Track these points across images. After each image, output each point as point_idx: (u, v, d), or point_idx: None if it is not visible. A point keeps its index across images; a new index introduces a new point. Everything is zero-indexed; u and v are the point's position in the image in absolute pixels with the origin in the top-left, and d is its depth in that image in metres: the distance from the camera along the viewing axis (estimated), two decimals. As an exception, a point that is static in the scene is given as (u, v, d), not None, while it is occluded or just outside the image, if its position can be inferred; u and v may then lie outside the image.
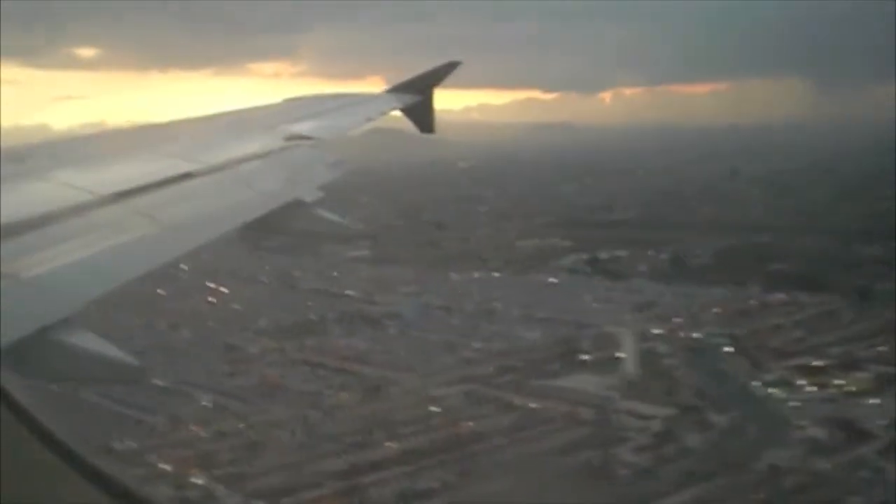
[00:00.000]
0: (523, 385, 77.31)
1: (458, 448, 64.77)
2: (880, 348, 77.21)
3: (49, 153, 8.31)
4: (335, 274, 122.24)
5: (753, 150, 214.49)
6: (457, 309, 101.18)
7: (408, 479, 60.78)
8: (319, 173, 9.17)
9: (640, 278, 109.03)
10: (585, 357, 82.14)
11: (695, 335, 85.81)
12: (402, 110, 14.09)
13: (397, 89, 14.66)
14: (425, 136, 15.18)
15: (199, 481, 62.34)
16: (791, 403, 69.57)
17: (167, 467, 64.50)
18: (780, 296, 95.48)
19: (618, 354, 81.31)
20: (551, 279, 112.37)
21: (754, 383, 74.05)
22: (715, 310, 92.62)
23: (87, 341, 4.70)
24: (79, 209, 6.23)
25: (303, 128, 10.63)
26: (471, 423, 69.28)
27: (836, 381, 72.40)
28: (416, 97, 14.36)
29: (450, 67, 14.83)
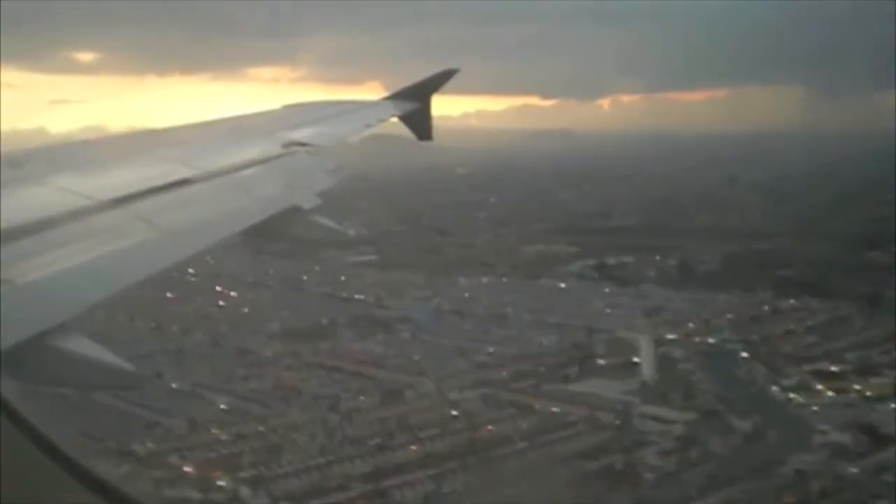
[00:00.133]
0: (540, 389, 77.41)
1: (480, 451, 64.84)
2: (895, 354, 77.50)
3: (47, 158, 8.29)
4: (342, 278, 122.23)
5: (751, 157, 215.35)
6: (468, 313, 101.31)
7: (433, 482, 60.83)
8: (317, 180, 9.21)
9: (649, 284, 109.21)
10: (601, 361, 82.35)
11: (709, 340, 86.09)
12: (400, 118, 14.10)
13: (395, 96, 14.72)
14: (423, 142, 15.18)
15: (224, 483, 62.14)
16: (811, 408, 69.78)
17: (189, 469, 64.38)
18: (791, 301, 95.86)
19: (634, 359, 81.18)
20: (560, 284, 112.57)
21: (773, 388, 74.26)
22: (727, 315, 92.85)
23: (84, 347, 4.68)
24: (77, 214, 6.23)
25: (301, 134, 10.67)
26: (491, 427, 69.34)
27: (855, 386, 72.64)
28: (414, 104, 14.37)
29: (447, 75, 14.84)
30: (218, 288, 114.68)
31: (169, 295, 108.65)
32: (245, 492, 60.94)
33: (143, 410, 76.21)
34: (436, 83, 14.72)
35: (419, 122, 14.52)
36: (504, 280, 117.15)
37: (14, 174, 6.98)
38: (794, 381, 75.02)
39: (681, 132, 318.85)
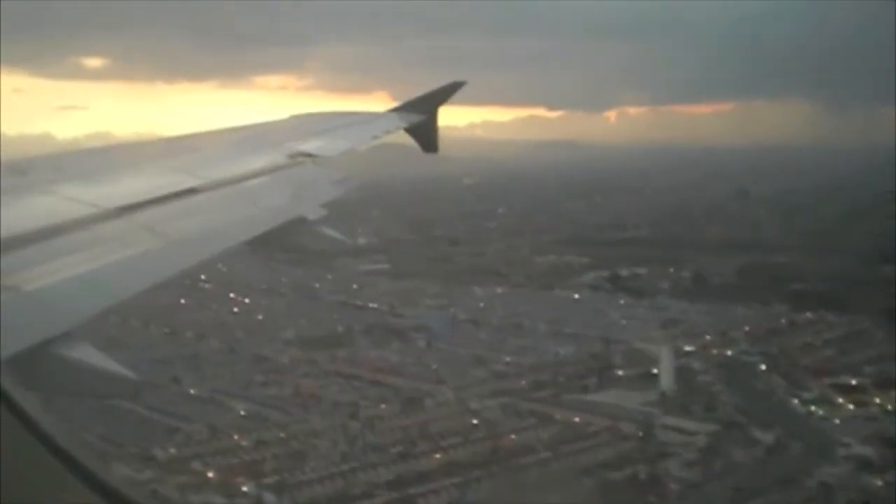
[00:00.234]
0: (559, 399, 77.55)
1: (504, 460, 64.92)
2: (914, 368, 77.53)
3: (53, 166, 8.31)
4: (354, 286, 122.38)
5: (759, 171, 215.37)
6: (483, 323, 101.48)
7: (458, 490, 60.78)
8: (323, 191, 9.20)
9: (663, 296, 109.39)
10: (619, 372, 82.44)
11: (727, 352, 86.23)
12: (406, 129, 14.05)
13: (401, 108, 14.72)
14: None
15: (248, 489, 62.08)
16: (833, 421, 69.85)
17: (213, 475, 64.32)
18: (808, 315, 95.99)
19: (652, 370, 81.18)
20: (574, 295, 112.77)
21: (793, 401, 74.34)
22: (744, 327, 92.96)
23: (88, 355, 4.62)
24: (82, 222, 6.22)
25: (308, 145, 10.66)
26: (513, 436, 69.33)
27: (875, 399, 72.75)
28: (421, 116, 14.36)
29: (454, 87, 14.82)
30: (231, 295, 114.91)
31: (182, 301, 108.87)
32: (269, 498, 60.84)
33: (163, 416, 76.30)
34: (442, 95, 14.74)
35: (425, 134, 14.50)
36: (518, 290, 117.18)
37: (19, 182, 6.98)
38: (814, 394, 75.14)
39: (687, 145, 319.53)
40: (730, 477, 61.56)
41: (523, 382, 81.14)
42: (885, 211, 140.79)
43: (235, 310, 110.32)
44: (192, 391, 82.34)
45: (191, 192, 7.69)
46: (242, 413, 76.69)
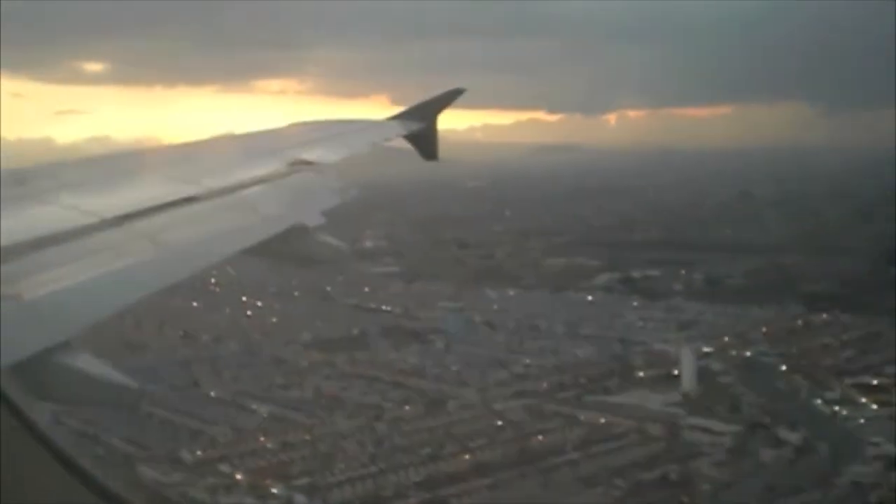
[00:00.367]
0: (582, 400, 77.71)
1: (534, 461, 64.94)
2: (934, 368, 77.79)
3: (52, 174, 8.30)
4: (366, 289, 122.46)
5: (760, 173, 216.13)
6: (499, 325, 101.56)
7: (491, 491, 60.82)
8: (323, 198, 9.17)
9: (678, 297, 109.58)
10: (640, 374, 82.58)
11: (746, 353, 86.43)
12: (406, 137, 14.12)
13: (401, 116, 14.75)
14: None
15: (277, 491, 62.07)
16: (858, 420, 70.01)
17: (241, 477, 64.32)
18: (823, 316, 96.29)
19: (673, 371, 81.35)
20: (588, 297, 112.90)
21: (816, 401, 74.49)
22: (762, 329, 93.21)
23: (88, 364, 4.63)
24: (82, 231, 6.22)
25: (307, 153, 10.63)
26: (541, 438, 69.41)
27: (899, 400, 72.91)
28: (420, 124, 14.42)
29: (453, 95, 14.91)
30: (243, 298, 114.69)
31: (195, 304, 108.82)
32: (300, 499, 60.83)
33: (186, 418, 76.31)
34: (442, 103, 14.78)
35: (425, 141, 14.53)
36: (531, 292, 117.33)
37: (19, 191, 6.98)
38: (836, 395, 75.32)
39: (687, 148, 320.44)
40: (761, 477, 61.69)
41: (545, 384, 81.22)
42: (888, 213, 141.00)
43: (249, 313, 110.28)
44: (212, 394, 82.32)
45: (190, 200, 7.69)
46: (265, 415, 76.68)
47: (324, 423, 73.58)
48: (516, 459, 65.41)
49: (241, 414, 77.24)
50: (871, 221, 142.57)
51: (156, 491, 63.31)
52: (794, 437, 67.28)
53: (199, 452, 68.63)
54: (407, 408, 76.39)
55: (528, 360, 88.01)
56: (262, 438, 70.88)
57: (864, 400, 73.51)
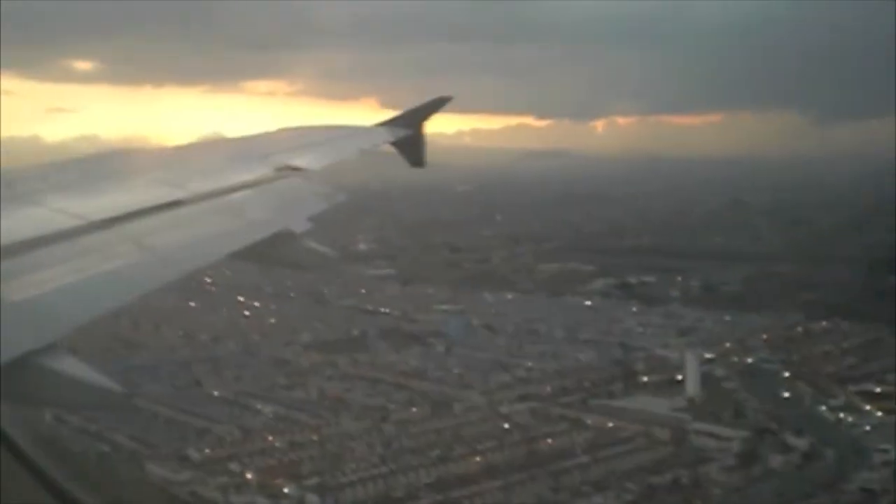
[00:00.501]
0: (587, 404, 77.90)
1: (544, 464, 64.95)
2: (936, 375, 78.40)
3: (40, 177, 8.34)
4: (362, 291, 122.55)
5: (751, 182, 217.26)
6: (498, 328, 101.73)
7: (502, 493, 60.82)
8: (309, 204, 9.25)
9: (676, 303, 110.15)
10: (644, 379, 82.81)
11: (747, 360, 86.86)
12: (393, 144, 14.13)
13: (388, 123, 14.78)
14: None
15: (289, 491, 61.85)
16: (864, 427, 70.48)
17: (251, 476, 64.06)
18: (823, 323, 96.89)
19: (676, 377, 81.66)
20: (585, 302, 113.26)
21: (821, 408, 74.93)
22: (762, 336, 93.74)
23: (72, 367, 4.61)
24: (67, 234, 6.23)
25: (294, 158, 10.69)
26: (549, 441, 69.52)
27: (902, 407, 73.46)
28: (407, 131, 14.47)
29: (441, 102, 14.94)
30: (240, 298, 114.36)
31: (192, 304, 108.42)
32: (312, 499, 60.62)
33: (190, 417, 76.04)
34: (429, 110, 14.79)
35: (412, 148, 14.52)
36: (528, 296, 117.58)
37: (5, 193, 6.93)
38: (840, 401, 75.82)
39: (676, 155, 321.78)
40: (771, 482, 62.07)
41: (548, 388, 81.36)
42: (882, 222, 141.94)
43: (247, 313, 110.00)
44: (215, 393, 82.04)
45: (177, 204, 7.71)
46: (270, 415, 76.46)
47: (330, 423, 73.37)
48: (526, 462, 65.48)
49: (245, 413, 76.97)
50: (864, 230, 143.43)
51: (164, 489, 63.11)
52: (801, 443, 67.61)
53: (207, 451, 68.34)
54: (413, 410, 76.26)
55: (529, 364, 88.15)
56: (269, 438, 70.67)
57: (868, 407, 74.04)
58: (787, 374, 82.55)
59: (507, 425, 72.83)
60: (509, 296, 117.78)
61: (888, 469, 62.59)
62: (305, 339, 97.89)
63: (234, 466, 65.48)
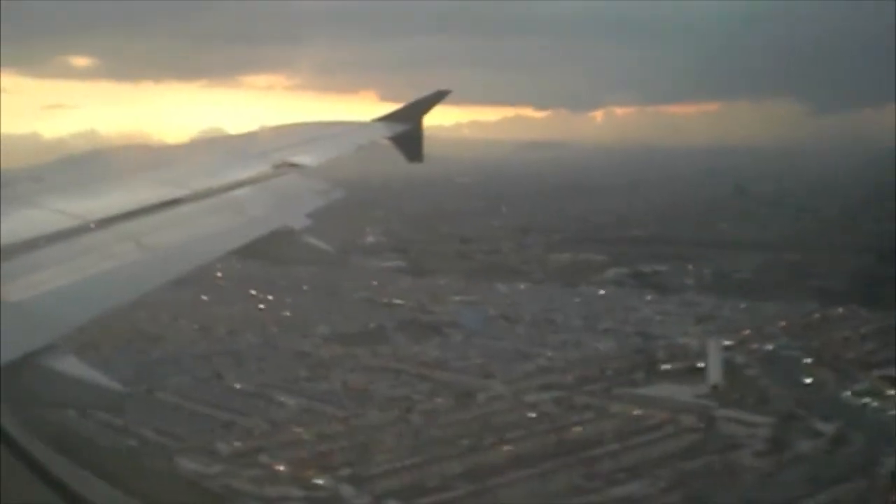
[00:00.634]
0: (611, 393, 77.99)
1: (575, 452, 65.09)
2: (956, 360, 78.66)
3: (39, 177, 8.42)
4: (375, 283, 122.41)
5: (751, 171, 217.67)
6: (516, 318, 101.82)
7: (537, 481, 60.87)
8: (308, 201, 9.32)
9: (691, 292, 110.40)
10: (666, 367, 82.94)
11: (767, 347, 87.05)
12: (391, 139, 14.24)
13: (386, 118, 14.87)
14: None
15: (322, 482, 61.88)
16: (889, 412, 70.73)
17: (283, 468, 64.06)
18: (840, 310, 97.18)
19: (698, 364, 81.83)
20: (599, 291, 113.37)
21: (845, 393, 75.17)
22: (780, 323, 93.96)
23: (73, 367, 4.67)
24: (67, 234, 6.30)
25: (293, 155, 10.78)
26: (577, 429, 69.67)
27: (926, 392, 73.81)
28: (405, 126, 14.53)
29: (438, 97, 15.08)
30: (253, 291, 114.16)
31: (204, 298, 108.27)
32: (347, 490, 60.65)
33: (215, 410, 76.06)
34: (426, 105, 14.89)
35: (410, 143, 14.62)
36: (541, 286, 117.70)
37: (5, 193, 7.03)
38: (864, 387, 76.03)
39: (674, 145, 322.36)
40: (803, 467, 62.22)
41: (570, 377, 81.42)
42: (884, 210, 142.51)
43: (261, 306, 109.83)
44: (237, 386, 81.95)
45: (176, 202, 7.79)
46: (295, 407, 76.42)
47: (357, 415, 73.39)
48: (557, 450, 65.56)
49: (270, 406, 76.97)
50: (869, 218, 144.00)
51: (196, 482, 63.08)
52: (828, 428, 67.79)
53: (236, 444, 68.27)
54: (438, 400, 76.33)
55: (550, 353, 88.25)
56: (297, 430, 70.67)
57: (892, 392, 74.22)
58: (808, 361, 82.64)
59: (533, 414, 72.92)
60: (522, 286, 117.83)
61: (919, 453, 62.77)
62: (323, 331, 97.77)
63: (264, 459, 65.45)
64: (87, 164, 10.04)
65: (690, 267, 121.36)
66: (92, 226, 6.49)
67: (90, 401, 5.21)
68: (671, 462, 63.10)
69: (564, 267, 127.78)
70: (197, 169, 9.83)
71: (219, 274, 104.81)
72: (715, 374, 79.15)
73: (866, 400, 73.55)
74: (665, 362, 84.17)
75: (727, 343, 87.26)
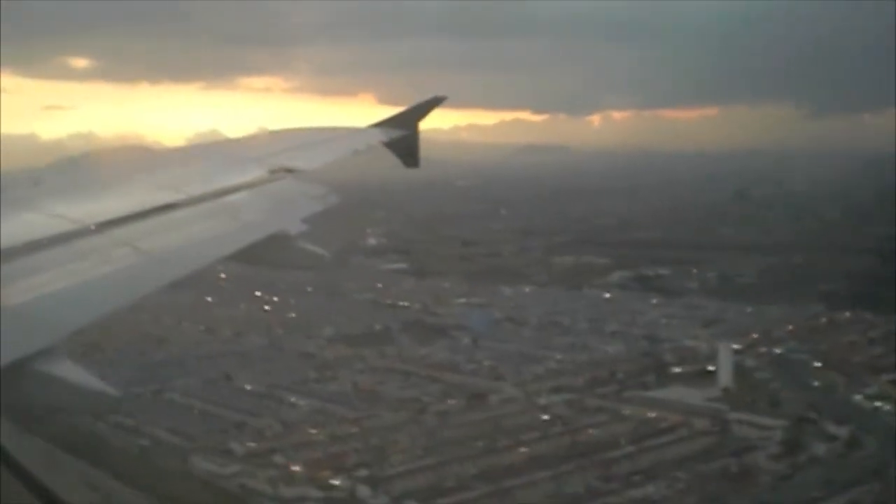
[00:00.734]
0: (622, 396, 77.98)
1: (591, 454, 65.03)
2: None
3: (37, 180, 8.46)
4: (379, 285, 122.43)
5: (750, 175, 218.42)
6: (521, 321, 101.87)
7: (554, 483, 60.83)
8: (304, 205, 9.29)
9: (695, 295, 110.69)
10: (676, 370, 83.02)
11: (776, 350, 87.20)
12: (387, 145, 14.23)
13: (382, 124, 14.87)
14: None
15: (339, 483, 61.70)
16: (901, 416, 70.92)
17: (298, 468, 63.86)
18: (846, 314, 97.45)
19: (708, 367, 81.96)
20: (604, 294, 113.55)
21: (856, 397, 75.31)
22: (787, 326, 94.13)
23: (69, 371, 4.66)
24: (62, 238, 6.29)
25: (289, 160, 10.79)
26: (591, 431, 69.64)
27: (936, 396, 73.99)
28: (402, 132, 14.56)
29: (435, 102, 15.13)
30: (257, 293, 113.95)
31: (209, 299, 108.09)
32: (364, 491, 60.47)
33: (225, 411, 75.85)
34: (423, 111, 14.89)
35: (406, 149, 14.61)
36: (545, 289, 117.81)
37: (4, 197, 7.03)
38: (874, 390, 76.23)
39: (672, 149, 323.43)
40: (817, 469, 62.35)
41: (580, 379, 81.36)
42: (886, 214, 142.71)
43: (266, 308, 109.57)
44: (247, 387, 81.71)
45: (172, 207, 7.77)
46: (307, 408, 76.25)
47: (369, 416, 73.21)
48: (572, 452, 65.51)
49: (281, 407, 76.80)
50: (871, 221, 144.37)
51: (212, 482, 62.87)
52: (841, 431, 67.86)
53: (250, 444, 68.01)
54: (450, 402, 76.23)
55: (559, 356, 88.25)
56: (310, 431, 70.43)
57: (902, 396, 74.46)
58: (817, 364, 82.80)
59: (546, 416, 72.87)
60: (527, 289, 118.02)
61: (933, 456, 62.91)
62: (328, 332, 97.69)
63: (278, 459, 65.26)
64: (85, 167, 10.08)
65: (694, 270, 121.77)
66: (90, 229, 6.51)
67: (84, 405, 5.13)
68: (687, 464, 63.12)
69: (567, 270, 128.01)
70: (193, 173, 9.79)
71: (222, 275, 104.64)
72: (725, 378, 79.30)
73: (878, 403, 73.67)
74: (674, 365, 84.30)
75: (736, 346, 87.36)
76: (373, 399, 77.82)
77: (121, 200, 7.88)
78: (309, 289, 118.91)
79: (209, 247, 7.36)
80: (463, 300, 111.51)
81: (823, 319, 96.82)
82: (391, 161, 14.65)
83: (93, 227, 6.53)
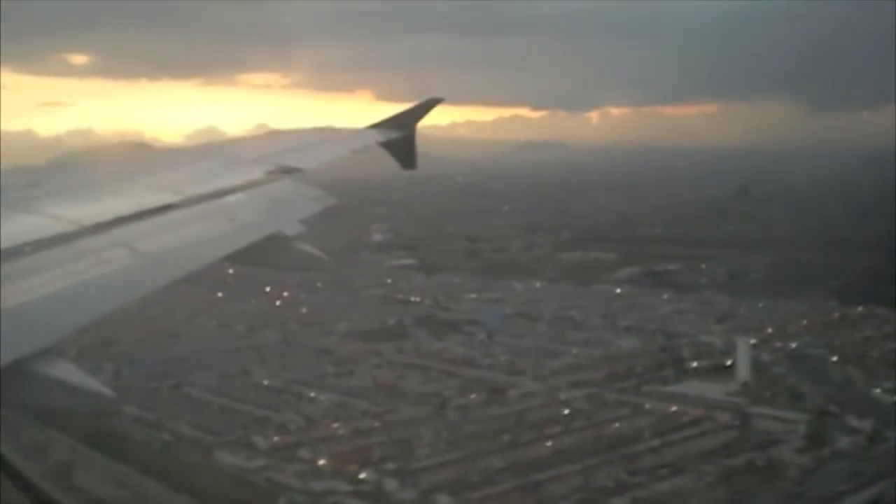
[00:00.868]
0: (641, 390, 78.06)
1: (616, 448, 65.15)
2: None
3: (35, 181, 8.52)
4: (388, 281, 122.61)
5: (750, 171, 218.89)
6: (535, 316, 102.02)
7: (581, 476, 60.90)
8: (301, 206, 9.32)
9: (707, 291, 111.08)
10: (693, 364, 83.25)
11: (791, 345, 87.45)
12: (384, 146, 14.30)
13: (380, 125, 14.94)
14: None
15: (365, 476, 61.70)
16: (923, 410, 71.17)
17: (324, 462, 63.85)
18: (859, 309, 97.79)
19: (726, 362, 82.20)
20: (615, 290, 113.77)
21: (875, 391, 75.59)
22: (802, 321, 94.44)
23: (66, 372, 4.68)
24: (60, 239, 6.35)
25: (287, 161, 10.84)
26: (615, 425, 69.76)
27: (955, 389, 74.31)
28: (399, 133, 14.63)
29: (432, 104, 15.26)
30: (267, 289, 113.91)
31: (220, 295, 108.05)
32: (391, 484, 60.49)
33: (246, 406, 75.86)
34: (420, 112, 15.00)
35: (403, 150, 14.68)
36: (556, 285, 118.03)
37: (3, 197, 7.13)
38: (893, 384, 76.36)
39: (671, 146, 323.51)
40: (843, 462, 62.54)
41: (600, 375, 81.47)
42: (889, 210, 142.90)
43: (278, 303, 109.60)
44: (265, 382, 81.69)
45: (169, 208, 7.84)
46: (327, 403, 76.25)
47: (390, 410, 73.19)
48: (597, 446, 65.65)
49: (301, 402, 76.80)
50: (875, 217, 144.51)
51: (239, 476, 62.84)
52: (863, 425, 68.05)
53: (274, 438, 68.00)
54: (471, 396, 76.28)
55: (575, 351, 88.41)
56: (333, 425, 70.39)
57: (921, 390, 74.74)
58: (834, 359, 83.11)
59: (567, 411, 72.93)
60: (537, 284, 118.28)
61: (958, 449, 63.22)
62: (343, 328, 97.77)
63: (304, 453, 65.24)
64: (83, 168, 10.13)
65: (703, 266, 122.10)
66: (88, 230, 6.55)
67: (81, 406, 5.25)
68: (713, 458, 63.27)
69: (575, 266, 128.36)
70: (191, 174, 9.85)
71: (230, 271, 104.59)
72: (744, 372, 79.51)
73: (897, 397, 73.95)
74: (692, 360, 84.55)
75: (752, 341, 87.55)
76: (393, 394, 77.87)
77: (119, 201, 7.92)
78: (319, 284, 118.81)
79: (206, 248, 7.38)
80: (474, 295, 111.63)
81: (836, 314, 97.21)
82: (388, 160, 14.71)
83: (91, 229, 6.56)
